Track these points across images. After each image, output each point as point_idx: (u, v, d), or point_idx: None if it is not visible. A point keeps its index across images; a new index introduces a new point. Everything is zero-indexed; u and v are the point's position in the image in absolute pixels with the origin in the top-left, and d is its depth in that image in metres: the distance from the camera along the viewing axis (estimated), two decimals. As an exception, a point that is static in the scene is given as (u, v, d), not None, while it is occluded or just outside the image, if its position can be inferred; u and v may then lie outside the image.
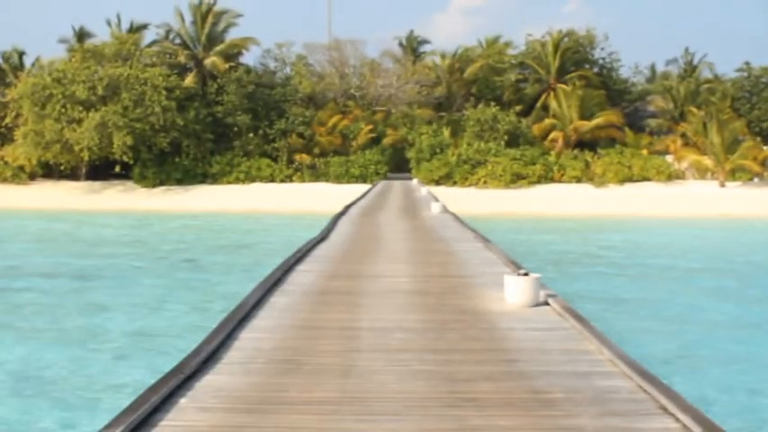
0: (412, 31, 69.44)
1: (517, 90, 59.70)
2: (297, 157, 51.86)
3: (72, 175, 53.35)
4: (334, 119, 54.27)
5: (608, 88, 58.84)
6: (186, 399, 5.77)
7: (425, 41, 70.78)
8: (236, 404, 5.68)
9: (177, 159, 51.37)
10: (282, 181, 50.68)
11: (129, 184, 51.35)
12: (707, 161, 48.15)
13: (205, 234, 32.70)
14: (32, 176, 52.70)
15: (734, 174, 47.09)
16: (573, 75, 55.97)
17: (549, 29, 60.60)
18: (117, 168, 53.60)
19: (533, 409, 5.54)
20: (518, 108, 55.84)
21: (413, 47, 68.69)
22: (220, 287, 18.80)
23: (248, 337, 7.68)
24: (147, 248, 27.51)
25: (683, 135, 51.55)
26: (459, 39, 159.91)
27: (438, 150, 51.62)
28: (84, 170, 53.23)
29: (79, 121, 48.03)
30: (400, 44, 68.75)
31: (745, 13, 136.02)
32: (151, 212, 41.85)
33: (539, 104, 56.95)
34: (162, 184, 50.62)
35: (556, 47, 57.70)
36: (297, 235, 22.09)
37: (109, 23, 58.03)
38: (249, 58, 59.96)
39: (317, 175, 51.11)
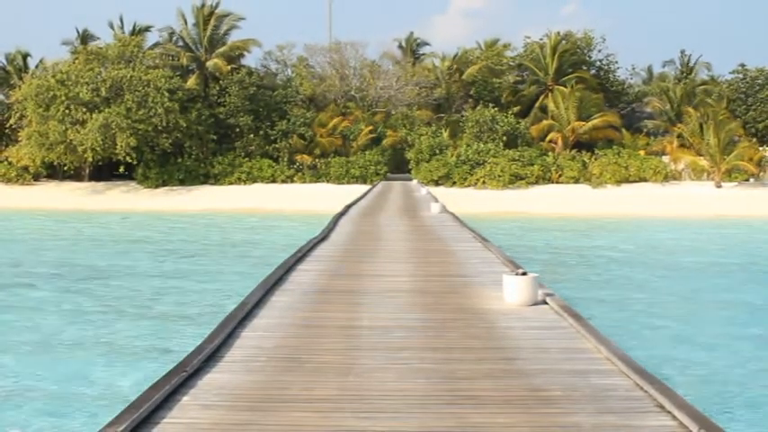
0: (411, 33, 69.62)
1: (515, 91, 59.73)
2: (298, 157, 51.89)
3: (75, 175, 53.41)
4: (335, 120, 54.34)
5: (605, 90, 58.90)
6: (188, 396, 5.82)
7: (425, 43, 70.95)
8: (237, 402, 5.73)
9: (180, 160, 51.38)
10: (284, 181, 50.69)
11: (133, 184, 51.34)
12: (703, 162, 48.12)
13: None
14: (36, 177, 52.70)
15: (730, 174, 47.08)
16: (570, 76, 55.88)
17: (547, 31, 60.87)
18: (120, 169, 53.61)
19: (532, 407, 5.59)
20: (516, 109, 55.81)
21: (412, 49, 68.72)
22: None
23: (250, 336, 7.74)
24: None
25: (680, 136, 51.53)
26: (459, 41, 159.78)
27: (437, 151, 51.64)
28: (87, 171, 53.26)
29: (83, 123, 48.04)
30: (400, 46, 68.80)
31: (741, 14, 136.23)
32: (155, 213, 41.76)
33: (537, 106, 56.92)
34: (165, 184, 50.63)
35: (554, 49, 57.65)
36: (301, 235, 22.18)
37: (111, 26, 58.03)
38: (251, 59, 59.74)
39: (317, 175, 51.13)
